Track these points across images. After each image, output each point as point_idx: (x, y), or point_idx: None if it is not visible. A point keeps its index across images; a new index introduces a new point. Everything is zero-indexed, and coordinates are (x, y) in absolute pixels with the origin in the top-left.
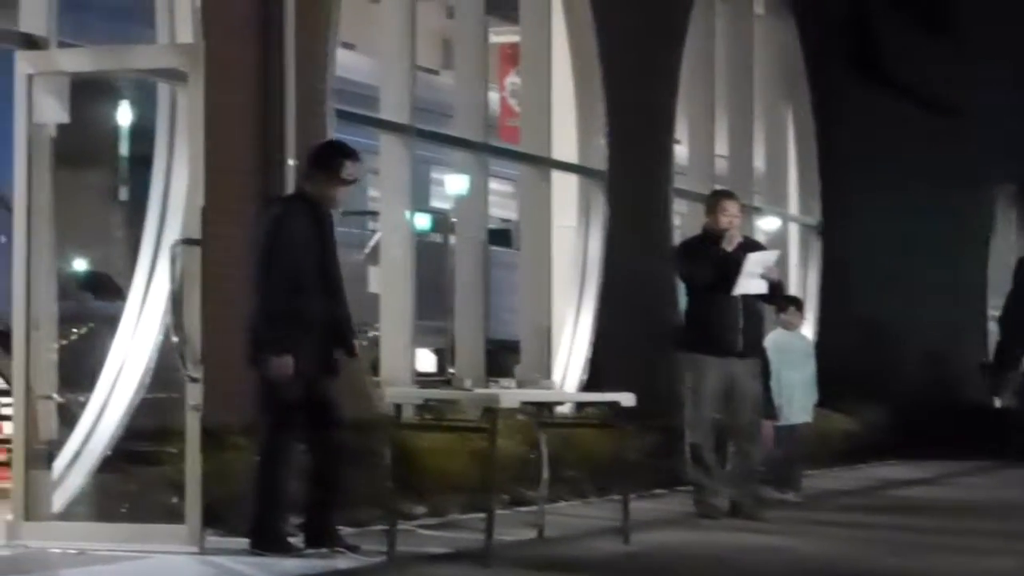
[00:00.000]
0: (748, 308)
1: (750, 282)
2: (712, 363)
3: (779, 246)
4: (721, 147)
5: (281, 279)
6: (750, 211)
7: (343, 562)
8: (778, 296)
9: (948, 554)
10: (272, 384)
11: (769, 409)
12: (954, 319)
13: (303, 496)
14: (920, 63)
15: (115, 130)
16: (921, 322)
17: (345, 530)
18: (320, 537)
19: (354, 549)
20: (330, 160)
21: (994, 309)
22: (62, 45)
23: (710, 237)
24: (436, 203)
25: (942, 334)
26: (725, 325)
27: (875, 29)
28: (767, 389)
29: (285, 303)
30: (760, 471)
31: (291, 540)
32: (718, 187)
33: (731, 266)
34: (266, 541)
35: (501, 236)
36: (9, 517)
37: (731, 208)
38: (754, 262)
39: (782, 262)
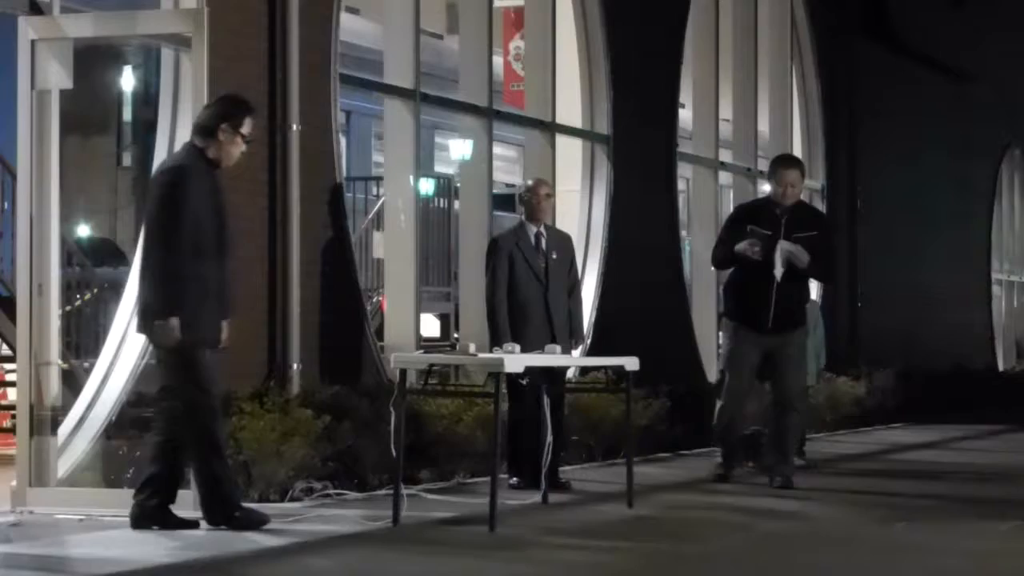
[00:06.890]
0: (781, 288)
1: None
2: (748, 333)
3: None
4: (726, 111)
5: (180, 243)
6: (755, 175)
7: (347, 526)
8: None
9: (952, 517)
10: (184, 357)
11: None
12: (960, 282)
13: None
14: (929, 28)
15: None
16: (927, 285)
17: (352, 495)
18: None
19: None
20: (235, 116)
21: (998, 273)
22: (65, 10)
23: (771, 203)
24: (441, 168)
25: (948, 297)
26: (759, 301)
27: None
28: None
29: (181, 268)
30: (799, 440)
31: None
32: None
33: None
34: (224, 515)
35: (506, 201)
36: (14, 483)
37: (788, 176)
38: (784, 250)
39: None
